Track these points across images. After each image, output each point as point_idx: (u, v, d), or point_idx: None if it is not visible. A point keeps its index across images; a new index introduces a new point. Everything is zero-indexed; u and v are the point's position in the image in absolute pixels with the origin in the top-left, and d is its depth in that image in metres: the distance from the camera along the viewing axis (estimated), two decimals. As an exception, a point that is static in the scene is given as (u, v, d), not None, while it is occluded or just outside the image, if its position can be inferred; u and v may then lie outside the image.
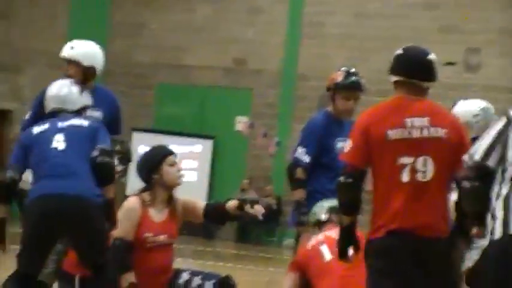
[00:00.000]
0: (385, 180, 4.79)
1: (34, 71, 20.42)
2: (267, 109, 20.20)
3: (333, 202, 5.71)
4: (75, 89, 6.32)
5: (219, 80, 20.31)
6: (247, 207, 6.06)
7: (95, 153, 5.92)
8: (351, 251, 4.95)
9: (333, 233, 5.54)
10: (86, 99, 6.36)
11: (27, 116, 6.70)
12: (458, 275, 4.91)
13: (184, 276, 6.13)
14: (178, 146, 16.91)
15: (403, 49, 5.03)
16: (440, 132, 4.83)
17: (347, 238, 4.92)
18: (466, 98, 6.30)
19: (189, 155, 19.45)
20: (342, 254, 4.97)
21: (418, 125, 4.83)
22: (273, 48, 19.93)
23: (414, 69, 4.93)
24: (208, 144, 20.06)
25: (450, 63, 17.79)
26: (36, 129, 6.10)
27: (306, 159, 6.56)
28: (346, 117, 6.61)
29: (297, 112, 19.47)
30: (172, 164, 6.15)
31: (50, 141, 5.96)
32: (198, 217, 6.22)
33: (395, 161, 4.77)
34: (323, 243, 5.71)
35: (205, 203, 6.28)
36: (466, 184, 4.43)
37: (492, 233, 4.29)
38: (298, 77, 19.87)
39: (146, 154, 6.23)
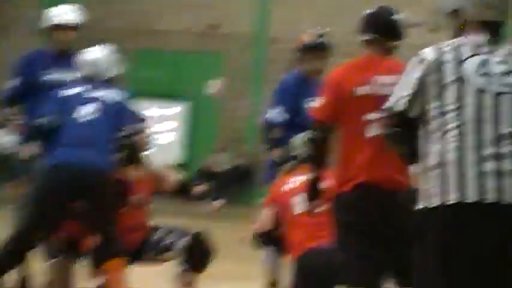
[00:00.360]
0: (352, 135, 4.83)
1: (7, 39, 20.23)
2: (239, 72, 20.17)
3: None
4: (111, 56, 6.20)
5: (192, 44, 20.24)
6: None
7: (122, 133, 5.84)
8: (316, 203, 5.01)
9: (303, 177, 5.56)
10: (120, 68, 6.25)
11: (12, 84, 6.61)
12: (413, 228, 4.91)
13: (158, 233, 6.15)
14: (157, 108, 16.94)
15: (373, 9, 5.04)
16: None
17: (313, 191, 4.96)
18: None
19: (167, 117, 19.41)
20: (309, 207, 5.03)
21: (385, 83, 4.84)
22: (244, 12, 19.85)
23: (383, 28, 4.97)
24: (183, 107, 20.02)
25: (416, 25, 17.78)
26: (68, 92, 5.97)
27: (280, 118, 6.59)
28: (315, 77, 6.64)
29: (269, 75, 19.45)
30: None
31: (76, 110, 5.86)
32: (167, 187, 6.26)
33: (362, 117, 4.78)
34: (296, 194, 5.76)
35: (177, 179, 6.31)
36: (389, 131, 4.06)
37: (427, 197, 3.84)
38: (270, 40, 19.83)
39: None
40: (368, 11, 4.97)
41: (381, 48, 4.85)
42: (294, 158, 6.04)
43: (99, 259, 5.81)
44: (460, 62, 3.84)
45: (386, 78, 4.79)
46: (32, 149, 6.13)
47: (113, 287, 5.78)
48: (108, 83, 6.09)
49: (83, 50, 6.18)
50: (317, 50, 6.62)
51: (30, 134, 6.02)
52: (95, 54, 6.13)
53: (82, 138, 5.76)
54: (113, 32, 20.54)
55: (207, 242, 6.06)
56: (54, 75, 6.55)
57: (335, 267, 4.95)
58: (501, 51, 3.85)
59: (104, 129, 5.82)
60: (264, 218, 5.99)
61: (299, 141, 5.96)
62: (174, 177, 6.34)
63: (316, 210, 5.07)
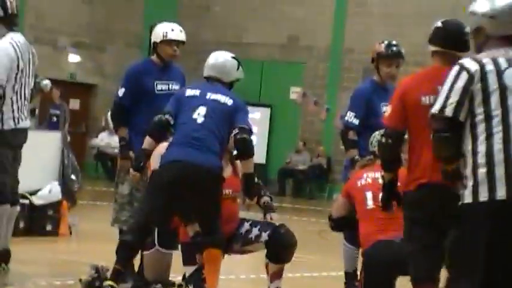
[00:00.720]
0: (418, 140, 4.83)
1: (114, 49, 20.60)
2: (317, 80, 20.21)
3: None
4: (232, 62, 6.26)
5: (275, 55, 20.35)
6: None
7: (235, 131, 5.79)
8: (392, 203, 5.02)
9: (379, 175, 5.59)
10: (240, 73, 6.23)
11: (120, 93, 6.70)
12: None
13: (246, 226, 6.17)
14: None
15: (442, 22, 5.04)
16: None
17: (389, 192, 4.97)
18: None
19: (253, 121, 19.54)
20: (384, 207, 5.04)
21: None
22: (321, 25, 19.89)
23: (450, 41, 4.95)
24: (267, 112, 20.12)
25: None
26: (189, 92, 5.92)
27: (355, 122, 6.65)
28: (389, 83, 6.69)
29: (343, 83, 19.47)
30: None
31: (193, 111, 5.86)
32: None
33: (427, 124, 4.80)
34: (368, 190, 5.77)
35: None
36: (440, 135, 4.24)
37: (475, 194, 4.07)
38: (345, 51, 19.83)
39: None
40: (437, 24, 4.97)
41: (447, 59, 4.84)
42: (372, 153, 6.06)
43: (200, 247, 5.82)
44: (500, 72, 4.08)
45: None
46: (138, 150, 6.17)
47: (209, 275, 5.79)
48: (228, 86, 6.04)
49: (212, 54, 6.13)
50: (391, 56, 6.66)
51: (149, 129, 5.99)
52: (223, 57, 6.09)
53: (196, 138, 5.73)
54: (204, 44, 20.77)
55: (290, 234, 6.04)
56: (163, 85, 6.65)
57: (402, 258, 4.97)
58: None
59: (216, 131, 5.77)
60: (337, 204, 6.01)
61: (376, 138, 5.96)
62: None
63: (391, 210, 5.10)
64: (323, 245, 7.39)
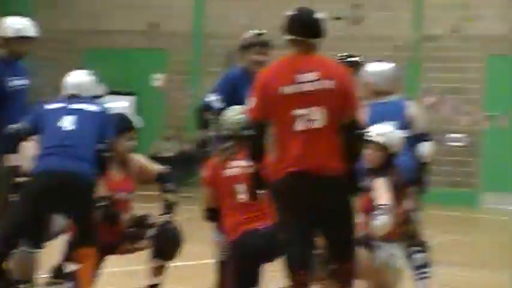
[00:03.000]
0: (283, 130, 4.88)
1: None
2: (181, 66, 20.18)
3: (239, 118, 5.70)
4: (88, 79, 6.16)
5: (136, 42, 20.20)
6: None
7: (101, 146, 5.77)
8: (259, 193, 5.07)
9: (244, 163, 5.57)
10: (101, 89, 6.22)
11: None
12: (351, 208, 5.01)
13: (134, 223, 6.12)
14: (107, 103, 16.81)
15: (293, 11, 5.09)
16: (329, 84, 4.91)
17: (256, 182, 5.02)
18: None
19: (116, 110, 19.33)
20: (251, 196, 5.09)
21: (308, 79, 4.90)
22: (182, 11, 19.84)
23: (304, 29, 5.00)
24: (131, 100, 19.96)
25: (338, 18, 17.94)
26: (51, 106, 5.91)
27: (218, 105, 6.65)
28: (258, 70, 6.77)
29: (207, 67, 19.51)
30: (130, 139, 6.14)
31: (59, 121, 5.77)
32: (151, 178, 6.26)
33: (290, 113, 4.85)
34: (237, 182, 5.76)
35: (158, 170, 6.27)
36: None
37: None
38: (206, 35, 19.86)
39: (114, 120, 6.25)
40: (288, 13, 5.03)
41: (303, 46, 4.91)
42: (227, 137, 5.97)
43: (73, 248, 5.79)
44: None
45: (309, 75, 4.87)
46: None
47: (82, 275, 5.75)
48: (90, 99, 6.03)
49: (68, 73, 6.14)
50: (261, 45, 6.78)
51: (4, 141, 5.97)
52: (79, 77, 6.10)
53: (65, 146, 5.67)
54: (62, 33, 20.40)
55: (176, 230, 6.01)
56: (16, 82, 6.53)
57: (272, 248, 5.03)
58: None
59: (85, 139, 5.73)
60: (207, 195, 5.96)
61: (231, 120, 5.88)
62: (156, 167, 6.30)
63: (258, 198, 5.15)
64: (196, 232, 7.39)
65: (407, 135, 6.07)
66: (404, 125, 6.09)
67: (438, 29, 18.27)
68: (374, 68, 6.19)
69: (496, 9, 17.86)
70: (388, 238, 5.27)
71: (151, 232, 6.00)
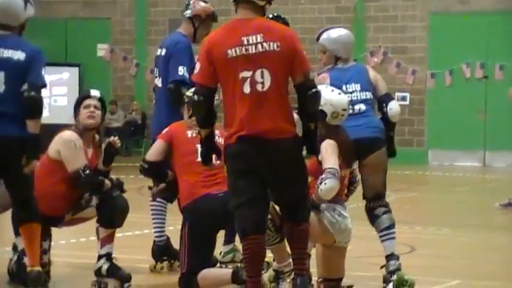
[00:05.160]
0: (230, 93, 4.82)
1: None
2: (125, 35, 20.00)
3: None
4: (16, 1, 5.61)
5: (79, 12, 19.95)
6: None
7: (24, 87, 5.41)
8: (211, 158, 5.02)
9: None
10: (29, 11, 5.71)
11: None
12: (303, 169, 4.98)
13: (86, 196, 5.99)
14: (48, 75, 16.54)
15: None
16: (273, 45, 4.84)
17: (207, 147, 4.97)
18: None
19: (59, 82, 19.10)
20: (204, 161, 5.04)
21: (253, 42, 4.84)
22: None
23: None
24: (75, 71, 19.72)
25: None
26: None
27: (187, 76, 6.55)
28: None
29: (151, 36, 19.36)
30: (86, 106, 5.97)
31: None
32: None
33: (237, 76, 4.79)
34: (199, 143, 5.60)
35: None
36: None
37: None
38: (149, 3, 19.70)
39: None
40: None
41: (249, 9, 4.84)
42: (187, 104, 5.85)
43: (17, 222, 5.66)
44: None
45: (254, 38, 4.81)
46: None
47: (29, 248, 5.62)
48: (18, 30, 5.65)
49: None
50: (213, 18, 6.79)
51: None
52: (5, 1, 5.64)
53: None
54: None
55: (122, 198, 5.92)
56: None
57: (225, 212, 4.99)
58: None
59: (12, 95, 5.46)
60: (155, 147, 5.85)
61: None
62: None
63: (212, 164, 5.11)
64: (144, 202, 7.34)
65: (371, 97, 6.11)
66: (367, 88, 6.10)
67: (381, -11, 18.30)
68: (332, 35, 6.15)
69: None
70: (336, 199, 5.25)
71: (95, 199, 5.89)
